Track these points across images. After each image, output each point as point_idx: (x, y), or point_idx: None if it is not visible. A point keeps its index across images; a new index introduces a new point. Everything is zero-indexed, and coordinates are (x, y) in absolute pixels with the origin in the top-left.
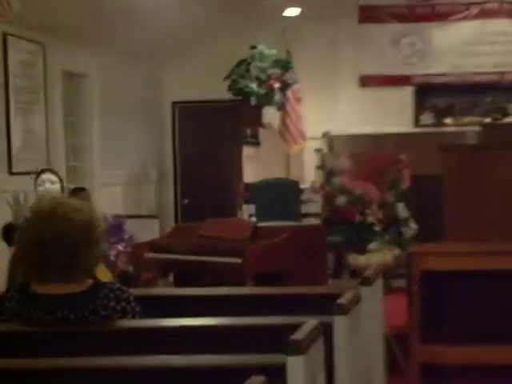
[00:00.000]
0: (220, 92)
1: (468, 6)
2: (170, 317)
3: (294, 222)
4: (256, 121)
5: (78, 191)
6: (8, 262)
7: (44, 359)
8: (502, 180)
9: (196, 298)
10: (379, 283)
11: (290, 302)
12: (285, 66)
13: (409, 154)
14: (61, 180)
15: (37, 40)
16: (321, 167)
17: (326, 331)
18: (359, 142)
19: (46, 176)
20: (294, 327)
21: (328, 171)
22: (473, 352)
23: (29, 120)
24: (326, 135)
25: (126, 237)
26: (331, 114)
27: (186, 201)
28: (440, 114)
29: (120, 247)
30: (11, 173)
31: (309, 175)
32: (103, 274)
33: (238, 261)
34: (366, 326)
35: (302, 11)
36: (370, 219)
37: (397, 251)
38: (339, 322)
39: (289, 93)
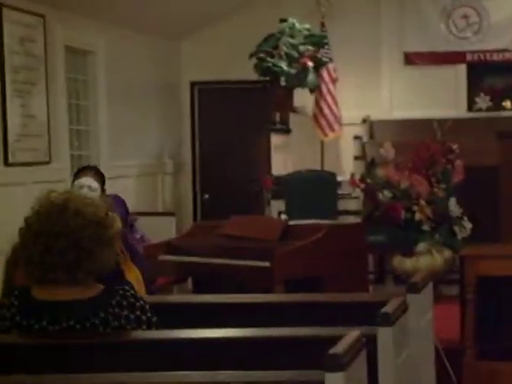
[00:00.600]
0: (245, 72)
1: None
2: (189, 327)
3: (330, 219)
4: (286, 105)
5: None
6: (5, 261)
7: (47, 376)
8: None
9: (218, 307)
10: (429, 290)
11: (325, 311)
12: (319, 42)
13: (462, 143)
14: (103, 184)
15: (36, 12)
16: (361, 157)
17: (369, 344)
18: (404, 128)
19: (85, 180)
20: (333, 340)
21: (369, 162)
22: None
23: (28, 103)
24: (366, 121)
25: (138, 236)
26: (372, 97)
27: (206, 196)
28: (498, 96)
29: None
30: (7, 164)
31: (347, 166)
32: (133, 274)
33: (267, 264)
34: (413, 339)
35: None
36: (418, 217)
37: (448, 254)
38: (384, 334)
39: (324, 73)
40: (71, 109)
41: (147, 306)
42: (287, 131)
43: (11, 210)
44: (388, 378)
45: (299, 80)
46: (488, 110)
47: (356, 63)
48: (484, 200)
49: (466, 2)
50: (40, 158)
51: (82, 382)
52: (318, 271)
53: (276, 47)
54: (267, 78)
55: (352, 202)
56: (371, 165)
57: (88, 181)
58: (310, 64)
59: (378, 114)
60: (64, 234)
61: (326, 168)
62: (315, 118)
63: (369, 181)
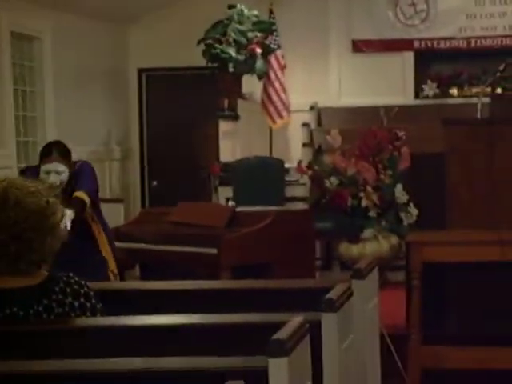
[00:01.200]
0: (193, 58)
1: None
2: (136, 314)
3: (278, 206)
4: (234, 91)
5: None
6: None
7: None
8: None
9: (165, 293)
10: (374, 276)
11: (272, 298)
12: (267, 28)
13: (408, 130)
14: (70, 157)
15: None
16: (309, 144)
17: (314, 330)
18: (352, 115)
19: (52, 166)
20: (277, 325)
21: (316, 149)
22: (479, 354)
23: None
24: (314, 108)
25: None
26: (320, 84)
27: (154, 182)
28: (445, 83)
29: None
30: None
31: (295, 153)
32: (105, 248)
33: (214, 251)
34: (358, 325)
35: None
36: (364, 203)
37: (394, 240)
38: (328, 320)
39: (272, 59)
40: (17, 95)
41: (92, 293)
42: (235, 118)
43: None
44: (332, 364)
45: (247, 66)
46: (435, 97)
47: (304, 50)
48: (430, 187)
49: None
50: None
51: (24, 369)
52: (266, 258)
53: (224, 34)
54: (215, 65)
55: (299, 189)
56: (318, 152)
57: (54, 165)
58: (259, 50)
59: (326, 100)
60: (5, 227)
61: (275, 155)
62: (263, 104)
63: (316, 168)
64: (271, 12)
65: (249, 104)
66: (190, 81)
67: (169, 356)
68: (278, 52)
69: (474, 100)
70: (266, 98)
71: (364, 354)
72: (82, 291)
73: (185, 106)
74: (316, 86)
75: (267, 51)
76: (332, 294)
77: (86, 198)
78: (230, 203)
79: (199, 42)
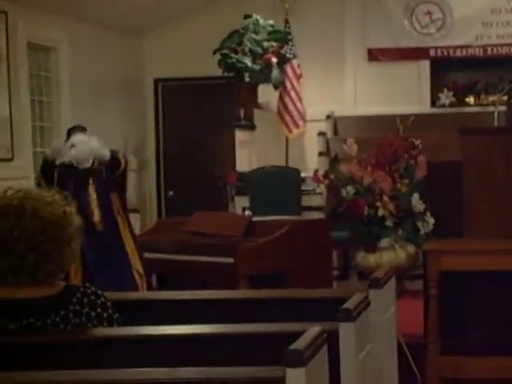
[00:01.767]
0: (209, 68)
1: None
2: (153, 324)
3: (294, 216)
4: (250, 101)
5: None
6: None
7: (6, 373)
8: None
9: (182, 303)
10: (391, 285)
11: (289, 307)
12: (283, 38)
13: (425, 138)
14: None
15: None
16: (325, 153)
17: (331, 340)
18: (368, 124)
19: (74, 138)
20: (294, 335)
21: (333, 158)
22: (497, 364)
23: None
24: (330, 117)
25: None
26: (336, 93)
27: (170, 192)
28: (461, 92)
29: None
30: None
31: (311, 163)
32: (129, 245)
33: (230, 260)
34: (376, 334)
35: None
36: (381, 212)
37: (411, 249)
38: (346, 330)
39: (288, 69)
40: (34, 105)
41: (109, 303)
42: (252, 127)
43: None
44: (350, 374)
45: (263, 76)
46: (451, 105)
47: (320, 59)
48: (446, 195)
49: None
50: (2, 155)
51: (41, 380)
52: (282, 267)
53: (240, 43)
54: (231, 74)
55: (316, 198)
56: (334, 161)
57: (76, 137)
58: (274, 60)
59: (342, 110)
60: (22, 238)
61: (291, 164)
62: (280, 114)
63: (332, 177)
64: (287, 21)
65: (265, 113)
66: (206, 90)
67: (185, 366)
68: (294, 61)
69: (491, 108)
70: (282, 108)
71: (381, 364)
72: (99, 301)
73: (201, 115)
74: (332, 95)
75: (283, 61)
76: (349, 304)
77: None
78: (247, 213)
79: (215, 52)
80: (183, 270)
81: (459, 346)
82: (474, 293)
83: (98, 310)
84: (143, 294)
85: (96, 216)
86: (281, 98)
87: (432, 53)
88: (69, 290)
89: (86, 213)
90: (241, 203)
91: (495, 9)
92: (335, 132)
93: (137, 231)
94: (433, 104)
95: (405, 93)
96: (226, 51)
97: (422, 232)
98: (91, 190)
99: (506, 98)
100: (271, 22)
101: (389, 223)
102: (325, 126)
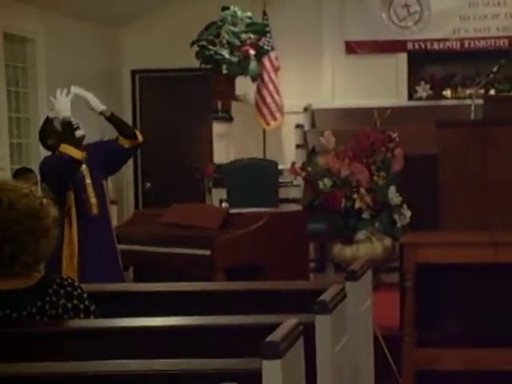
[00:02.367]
0: (187, 60)
1: None
2: (129, 316)
3: (272, 208)
4: (228, 93)
5: (23, 173)
6: None
7: None
8: (507, 161)
9: (158, 295)
10: (368, 278)
11: (266, 299)
12: (261, 30)
13: (402, 131)
14: None
15: None
16: (302, 146)
17: (307, 332)
18: (345, 116)
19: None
20: (271, 327)
21: (310, 150)
22: (473, 356)
23: None
24: (307, 109)
25: None
26: (313, 86)
27: (147, 184)
28: (438, 85)
29: None
30: None
31: (288, 155)
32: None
33: (207, 252)
34: (352, 327)
35: None
36: (358, 205)
37: (388, 241)
38: (322, 322)
39: (265, 61)
40: (10, 96)
41: (85, 295)
42: (229, 119)
43: None
44: (326, 365)
45: (241, 68)
46: (428, 98)
47: (298, 52)
48: (423, 188)
49: None
50: None
51: (18, 371)
52: (260, 259)
53: (218, 35)
54: (209, 66)
55: (293, 190)
56: (312, 153)
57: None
58: (252, 52)
59: (320, 102)
60: None
61: (268, 156)
62: (257, 106)
63: (309, 169)
64: (264, 13)
65: (242, 106)
66: (183, 82)
67: (162, 358)
68: (272, 54)
69: (468, 101)
70: (259, 100)
71: (358, 356)
72: (76, 293)
73: (178, 107)
74: (309, 87)
75: (261, 53)
76: (326, 296)
77: None
78: (224, 205)
79: (193, 44)
80: (160, 262)
81: (435, 338)
82: (450, 285)
83: (75, 302)
84: (120, 285)
85: (92, 198)
86: (258, 91)
87: (409, 46)
88: (45, 281)
89: (82, 196)
90: (218, 195)
91: (472, 2)
92: (313, 124)
93: (114, 223)
94: (410, 97)
95: (382, 85)
96: (203, 43)
97: (398, 225)
98: (85, 172)
99: (482, 91)
100: (249, 13)
101: (366, 216)
102: (302, 119)
